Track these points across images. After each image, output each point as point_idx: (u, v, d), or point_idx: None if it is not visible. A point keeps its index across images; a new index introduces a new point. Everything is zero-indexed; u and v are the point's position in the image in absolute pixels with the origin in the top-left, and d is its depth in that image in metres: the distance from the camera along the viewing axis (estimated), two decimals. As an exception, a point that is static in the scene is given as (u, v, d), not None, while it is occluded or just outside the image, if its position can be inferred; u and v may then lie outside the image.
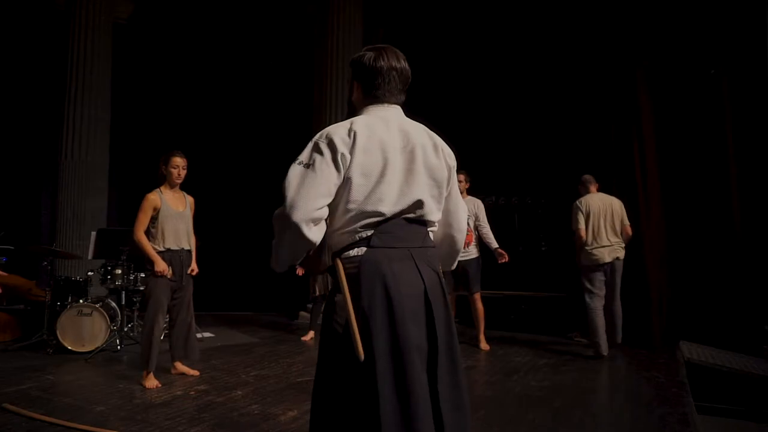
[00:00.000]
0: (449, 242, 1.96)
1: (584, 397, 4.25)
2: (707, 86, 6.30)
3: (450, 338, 1.70)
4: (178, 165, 4.49)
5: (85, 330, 5.44)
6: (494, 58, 8.32)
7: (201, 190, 5.51)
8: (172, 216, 4.48)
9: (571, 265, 6.15)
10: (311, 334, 6.33)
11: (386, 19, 9.18)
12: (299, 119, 9.01)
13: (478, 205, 5.79)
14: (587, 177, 5.83)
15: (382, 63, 1.78)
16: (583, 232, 5.55)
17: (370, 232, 1.66)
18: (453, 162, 1.86)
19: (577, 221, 5.59)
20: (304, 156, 1.69)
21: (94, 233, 6.21)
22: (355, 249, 1.65)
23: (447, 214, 1.90)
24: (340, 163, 1.64)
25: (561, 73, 7.75)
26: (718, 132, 6.20)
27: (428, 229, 1.78)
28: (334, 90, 7.83)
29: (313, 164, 1.64)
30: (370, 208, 1.65)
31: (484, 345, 5.87)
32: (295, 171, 1.67)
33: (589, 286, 5.54)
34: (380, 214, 1.66)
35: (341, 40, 7.90)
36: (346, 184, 1.65)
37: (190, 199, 4.72)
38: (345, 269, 1.65)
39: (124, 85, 8.85)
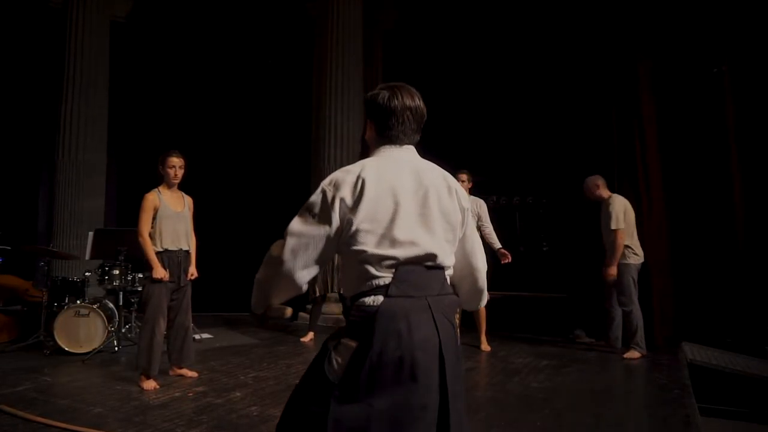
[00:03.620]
0: (470, 281, 1.92)
1: (586, 399, 4.22)
2: (709, 83, 6.28)
3: (459, 396, 1.68)
4: (175, 165, 4.47)
5: (83, 331, 5.40)
6: (496, 57, 8.31)
7: (200, 190, 5.47)
8: (170, 216, 4.46)
9: (572, 265, 6.13)
10: (310, 335, 6.30)
11: (387, 18, 9.16)
12: (299, 119, 8.99)
13: (481, 205, 5.75)
14: (602, 179, 5.71)
15: (396, 102, 1.74)
16: (624, 233, 5.42)
17: (387, 279, 1.62)
18: (467, 204, 1.83)
19: (618, 220, 5.39)
20: (310, 205, 1.70)
21: (91, 233, 6.17)
22: (372, 297, 1.62)
23: (466, 255, 1.86)
24: (343, 217, 1.65)
25: (562, 71, 7.74)
26: (720, 130, 6.18)
27: (446, 273, 1.75)
28: (334, 89, 7.81)
29: (316, 217, 1.67)
30: (382, 253, 1.62)
31: (485, 346, 5.84)
32: (297, 223, 1.70)
33: (633, 289, 5.44)
34: (394, 258, 1.63)
35: (341, 39, 7.88)
36: (354, 232, 1.63)
37: (188, 200, 4.69)
38: (360, 317, 1.62)
39: (122, 84, 8.82)
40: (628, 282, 5.43)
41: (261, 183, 9.57)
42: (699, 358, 5.18)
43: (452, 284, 1.82)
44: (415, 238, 1.65)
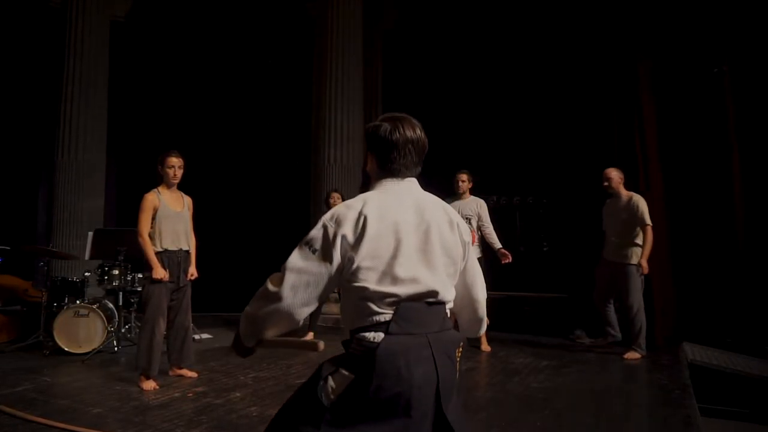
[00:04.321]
0: (470, 311, 1.93)
1: (586, 399, 4.21)
2: (710, 82, 6.27)
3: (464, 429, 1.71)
4: (174, 165, 4.47)
5: (82, 331, 5.39)
6: (496, 57, 8.31)
7: (200, 190, 5.47)
8: (170, 216, 4.46)
9: (572, 265, 6.10)
10: (310, 335, 6.27)
11: (387, 18, 9.16)
12: (299, 119, 8.99)
13: (481, 205, 5.75)
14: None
15: (398, 136, 1.73)
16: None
17: (388, 316, 1.62)
18: (468, 238, 1.83)
19: (649, 217, 5.34)
20: (310, 240, 1.66)
21: (91, 233, 6.16)
22: (372, 333, 1.62)
23: (466, 287, 1.87)
24: (344, 254, 1.64)
25: (562, 71, 7.74)
26: (720, 130, 6.18)
27: (447, 307, 1.76)
28: (334, 89, 7.80)
29: (316, 253, 1.64)
30: (384, 290, 1.62)
31: (485, 346, 5.83)
32: (297, 258, 1.65)
33: (641, 289, 5.41)
34: (395, 296, 1.63)
35: (341, 39, 7.87)
36: (356, 269, 1.63)
37: (188, 200, 4.69)
38: (360, 351, 1.62)
39: (122, 84, 8.80)
40: (638, 283, 5.38)
41: (261, 183, 9.56)
42: (699, 359, 5.17)
43: (452, 312, 1.83)
44: (417, 275, 1.65)
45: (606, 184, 5.57)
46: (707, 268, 6.12)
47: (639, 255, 5.37)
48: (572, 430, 3.51)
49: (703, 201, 6.27)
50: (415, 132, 1.76)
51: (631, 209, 5.42)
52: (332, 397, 1.60)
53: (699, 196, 6.29)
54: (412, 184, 1.78)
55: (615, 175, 5.57)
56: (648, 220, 5.35)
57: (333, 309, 6.92)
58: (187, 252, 4.59)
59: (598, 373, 5.01)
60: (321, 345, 1.56)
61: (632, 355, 5.41)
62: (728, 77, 6.14)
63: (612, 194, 5.61)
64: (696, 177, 6.31)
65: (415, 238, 1.68)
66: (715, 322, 5.96)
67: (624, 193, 5.55)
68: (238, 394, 4.14)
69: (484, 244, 5.77)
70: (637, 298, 5.38)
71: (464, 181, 5.74)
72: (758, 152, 6.01)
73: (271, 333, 1.71)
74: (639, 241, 5.38)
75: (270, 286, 1.65)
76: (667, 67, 6.45)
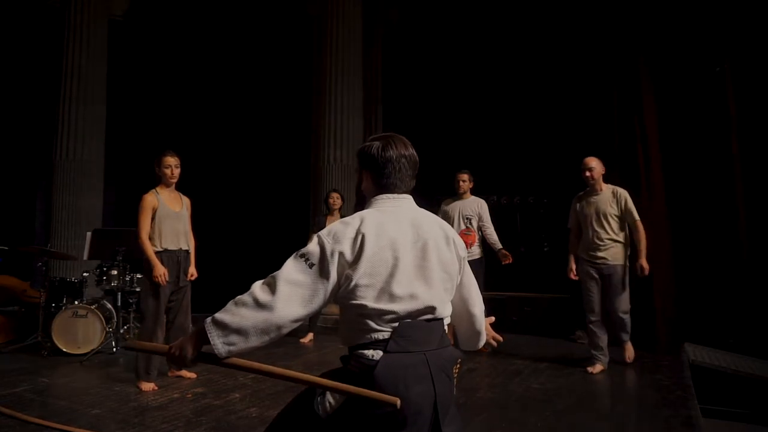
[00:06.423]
0: (468, 324, 1.95)
1: (587, 400, 4.20)
2: (711, 80, 6.25)
3: None
4: (171, 164, 4.47)
5: (81, 332, 5.37)
6: (496, 56, 8.30)
7: (200, 190, 5.45)
8: (169, 216, 4.46)
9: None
10: (310, 335, 6.27)
11: (387, 19, 9.15)
12: (298, 119, 8.98)
13: (482, 205, 5.73)
14: None
15: (391, 152, 1.77)
16: None
17: (386, 333, 1.63)
18: (464, 253, 1.85)
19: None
20: (307, 254, 1.64)
21: (89, 233, 6.13)
22: (371, 351, 1.63)
23: (463, 301, 1.89)
24: (341, 272, 1.63)
25: (562, 69, 7.73)
26: (722, 128, 6.15)
27: (445, 322, 1.78)
28: (334, 88, 7.78)
29: (313, 267, 1.62)
30: (382, 308, 1.63)
31: (485, 347, 5.80)
32: (293, 270, 1.62)
33: None
34: (394, 313, 1.64)
35: (341, 38, 7.85)
36: (353, 287, 1.63)
37: (186, 200, 4.69)
38: (359, 368, 1.63)
39: (120, 83, 8.78)
40: (627, 284, 5.09)
41: (261, 183, 9.55)
42: (701, 359, 5.14)
43: (450, 325, 1.85)
44: (414, 291, 1.66)
45: (588, 174, 5.00)
46: (709, 267, 6.09)
47: (626, 254, 5.07)
48: (573, 431, 3.50)
49: (704, 200, 6.24)
50: (406, 149, 1.80)
51: (618, 204, 5.02)
52: (329, 410, 1.61)
53: (701, 195, 6.26)
54: (407, 201, 1.81)
55: (597, 164, 5.00)
56: (637, 215, 4.99)
57: (333, 309, 6.89)
58: (187, 252, 4.58)
59: (598, 373, 4.99)
60: (399, 402, 1.54)
61: (629, 349, 5.25)
62: (729, 76, 6.12)
63: (589, 186, 5.11)
64: (698, 176, 6.29)
65: (412, 255, 1.69)
66: (717, 323, 5.93)
67: (603, 186, 5.09)
68: (237, 395, 4.13)
69: (484, 244, 5.75)
70: (628, 301, 5.12)
71: (465, 180, 5.72)
72: (760, 151, 5.99)
73: (251, 344, 1.62)
74: (623, 238, 5.06)
75: (261, 295, 1.60)
76: (669, 67, 6.43)
